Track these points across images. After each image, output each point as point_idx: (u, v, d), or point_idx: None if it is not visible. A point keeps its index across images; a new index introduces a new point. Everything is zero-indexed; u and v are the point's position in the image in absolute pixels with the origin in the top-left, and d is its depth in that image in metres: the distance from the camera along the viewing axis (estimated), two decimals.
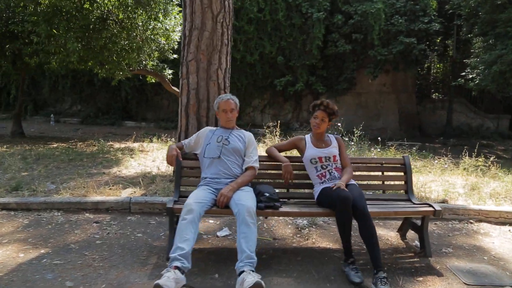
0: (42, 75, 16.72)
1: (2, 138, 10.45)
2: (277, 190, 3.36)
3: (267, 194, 3.06)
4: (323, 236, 3.64)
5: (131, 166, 6.36)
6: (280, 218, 4.11)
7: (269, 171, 3.58)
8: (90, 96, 17.07)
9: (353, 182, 3.26)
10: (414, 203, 3.38)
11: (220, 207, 2.91)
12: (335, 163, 3.30)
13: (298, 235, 3.65)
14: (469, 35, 13.16)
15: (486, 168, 6.48)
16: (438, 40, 15.36)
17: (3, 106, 17.61)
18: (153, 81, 10.83)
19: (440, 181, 5.69)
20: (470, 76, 11.59)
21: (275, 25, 15.03)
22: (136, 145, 9.14)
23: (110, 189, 4.59)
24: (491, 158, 6.50)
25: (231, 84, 16.08)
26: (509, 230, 4.03)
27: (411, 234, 3.80)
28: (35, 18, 8.05)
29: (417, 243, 3.51)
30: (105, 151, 8.01)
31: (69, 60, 8.22)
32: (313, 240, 3.55)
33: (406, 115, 16.52)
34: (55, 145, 9.11)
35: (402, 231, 3.71)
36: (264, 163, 3.50)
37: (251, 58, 15.18)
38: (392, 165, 3.66)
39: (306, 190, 3.52)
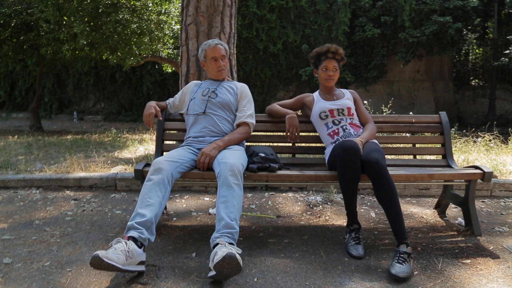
0: (67, 74, 16.81)
1: (21, 132, 10.32)
2: (280, 156, 2.73)
3: (262, 154, 2.42)
4: (340, 214, 2.96)
5: (136, 151, 5.88)
6: (289, 194, 3.46)
7: (269, 133, 2.95)
8: (112, 93, 16.93)
9: (374, 141, 2.57)
10: (455, 169, 2.65)
11: (202, 169, 2.30)
12: (350, 118, 2.62)
13: (308, 213, 2.99)
14: None
15: None
16: (478, 20, 14.05)
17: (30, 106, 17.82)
18: (169, 70, 10.42)
19: (486, 160, 4.84)
20: None
21: (299, 12, 14.31)
22: (151, 136, 8.71)
23: (100, 167, 4.09)
24: None
25: (254, 76, 15.47)
26: None
27: (452, 212, 3.06)
28: (44, 3, 7.79)
29: (460, 220, 2.77)
30: (116, 140, 7.62)
31: (78, 46, 7.90)
32: (326, 218, 2.87)
33: (443, 104, 15.29)
34: (69, 137, 8.83)
35: (440, 207, 2.98)
36: (264, 123, 2.87)
37: (274, 48, 14.52)
38: (425, 124, 2.93)
39: (317, 156, 2.85)
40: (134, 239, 1.83)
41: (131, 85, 16.43)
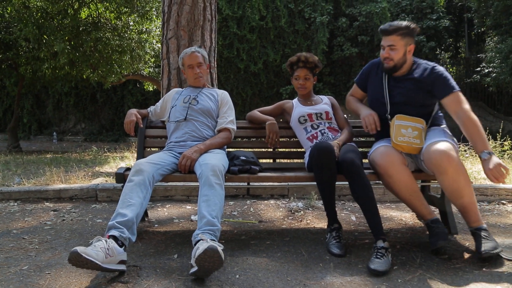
0: (46, 94, 16.60)
1: None
2: (261, 161, 2.77)
3: (243, 157, 2.47)
4: (321, 218, 3.00)
5: (117, 166, 5.82)
6: (271, 201, 3.50)
7: (250, 139, 3.00)
8: (93, 113, 16.77)
9: (352, 144, 2.63)
10: None
11: (183, 172, 2.32)
12: (328, 122, 2.69)
13: (290, 217, 3.02)
14: (481, 29, 12.45)
15: None
16: (450, 40, 14.66)
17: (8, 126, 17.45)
18: (151, 88, 10.43)
19: None
20: (486, 71, 10.83)
21: (278, 32, 14.62)
22: (133, 154, 8.63)
23: (80, 179, 4.04)
24: None
25: (236, 94, 15.56)
26: None
27: None
28: (24, 22, 7.77)
29: (438, 217, 2.84)
30: (97, 158, 7.53)
31: (59, 64, 7.87)
32: (308, 222, 2.91)
33: None
34: (48, 155, 8.67)
35: None
36: (245, 130, 2.92)
37: (255, 67, 14.72)
38: None
39: (298, 160, 2.91)
40: (114, 238, 1.82)
41: (112, 105, 16.32)
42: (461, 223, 2.87)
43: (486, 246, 2.03)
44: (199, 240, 1.80)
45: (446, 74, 2.38)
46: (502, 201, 3.58)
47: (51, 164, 6.12)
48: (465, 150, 6.01)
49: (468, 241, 2.44)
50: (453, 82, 2.35)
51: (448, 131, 2.42)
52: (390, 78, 2.48)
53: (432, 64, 2.44)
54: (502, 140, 5.97)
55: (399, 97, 2.42)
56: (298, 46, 14.50)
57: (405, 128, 2.30)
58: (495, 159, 2.08)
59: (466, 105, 2.29)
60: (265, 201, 3.53)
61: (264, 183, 3.51)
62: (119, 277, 1.82)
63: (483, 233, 2.12)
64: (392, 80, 2.47)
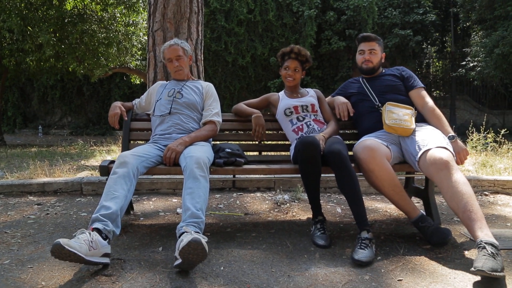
0: (31, 87, 16.33)
1: None
2: (247, 153, 2.76)
3: (229, 150, 2.46)
4: (307, 210, 3.01)
5: (103, 160, 5.75)
6: (257, 194, 3.50)
7: (236, 132, 2.99)
8: (80, 106, 16.57)
9: (337, 136, 2.64)
10: None
11: (167, 164, 2.30)
12: (314, 114, 2.69)
13: (276, 210, 3.02)
14: (466, 24, 12.60)
15: (498, 146, 5.83)
16: (436, 34, 14.80)
17: None
18: (138, 82, 10.33)
19: None
20: (471, 65, 10.98)
21: (266, 25, 14.60)
22: (120, 147, 8.55)
23: (65, 172, 3.99)
24: (502, 131, 5.84)
25: (224, 88, 15.52)
26: None
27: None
28: (7, 12, 7.59)
29: (423, 212, 2.88)
30: (83, 151, 7.44)
31: (44, 56, 7.72)
32: (293, 214, 2.92)
33: None
34: (33, 149, 8.54)
35: None
36: (230, 122, 2.91)
37: (243, 61, 14.70)
38: None
39: (284, 153, 2.91)
40: (98, 230, 1.80)
41: (99, 98, 16.15)
42: (444, 214, 2.91)
43: (485, 264, 1.67)
44: (183, 233, 1.79)
45: (413, 73, 2.78)
46: (485, 192, 3.64)
47: (35, 158, 6.03)
48: None
49: (451, 232, 2.47)
50: (418, 80, 2.73)
51: (438, 130, 2.45)
52: (366, 79, 2.79)
53: (400, 67, 2.86)
54: (485, 132, 6.06)
55: (382, 88, 2.67)
56: (286, 40, 14.51)
57: (396, 112, 2.47)
58: (460, 144, 2.39)
59: (430, 99, 2.62)
60: (252, 194, 3.53)
61: (250, 176, 3.51)
62: (103, 270, 1.81)
63: (490, 249, 1.74)
64: (369, 80, 2.77)
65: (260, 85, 15.42)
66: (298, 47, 2.76)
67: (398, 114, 2.46)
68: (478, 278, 1.75)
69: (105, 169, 2.30)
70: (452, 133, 2.41)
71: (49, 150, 7.87)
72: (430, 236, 2.17)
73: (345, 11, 13.39)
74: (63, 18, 7.69)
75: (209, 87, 2.75)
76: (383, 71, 2.82)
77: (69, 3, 7.97)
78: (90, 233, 1.74)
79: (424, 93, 2.66)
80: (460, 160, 2.38)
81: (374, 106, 2.63)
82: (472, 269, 1.68)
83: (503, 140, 6.06)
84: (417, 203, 3.22)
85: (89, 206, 3.14)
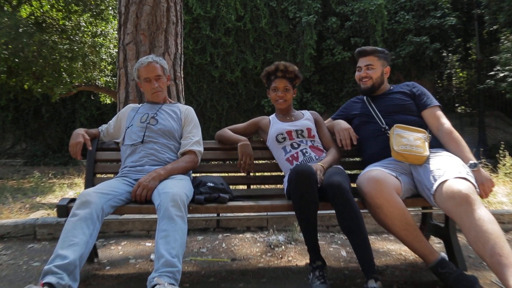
0: None
1: None
2: (233, 187, 2.80)
3: (211, 184, 2.49)
4: (305, 254, 3.01)
5: (64, 196, 5.75)
6: (247, 235, 3.51)
7: (220, 163, 3.03)
8: (37, 131, 16.56)
9: (338, 166, 2.70)
10: None
11: (138, 201, 2.32)
12: (310, 140, 2.75)
13: (268, 254, 3.04)
14: (494, 27, 12.83)
15: None
16: (458, 40, 15.10)
17: None
18: (108, 101, 10.42)
19: None
20: (501, 75, 11.07)
21: (258, 34, 14.86)
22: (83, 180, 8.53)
23: (15, 213, 3.98)
24: None
25: (210, 108, 15.60)
26: None
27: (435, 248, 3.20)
28: None
29: (444, 255, 2.90)
30: (39, 185, 7.42)
31: None
32: (289, 259, 2.93)
33: None
34: None
35: None
36: (214, 151, 2.95)
37: (231, 76, 14.87)
38: None
39: (275, 186, 2.95)
40: (51, 286, 1.79)
41: (60, 121, 16.17)
42: (471, 257, 2.93)
43: None
44: (155, 285, 1.80)
45: (426, 90, 2.82)
46: None
47: None
48: None
49: (480, 279, 2.48)
50: (433, 97, 2.76)
51: (456, 157, 2.45)
52: (371, 98, 2.84)
53: (411, 82, 2.88)
54: None
55: (389, 108, 2.71)
56: (282, 51, 14.76)
57: (406, 136, 2.49)
58: (484, 173, 2.38)
59: (446, 120, 2.65)
60: (240, 235, 3.54)
61: (238, 214, 3.53)
62: None
63: None
64: (375, 99, 2.82)
65: (252, 104, 15.56)
66: (284, 63, 2.85)
67: (408, 139, 2.48)
68: None
69: (64, 210, 2.32)
70: (473, 160, 2.41)
71: None
72: (452, 285, 2.15)
73: (350, 16, 13.72)
74: (17, 27, 7.79)
75: (188, 111, 2.80)
76: (391, 88, 2.87)
77: (25, 9, 8.10)
78: None
79: (440, 113, 2.68)
80: (484, 193, 2.38)
81: (380, 129, 2.67)
82: None
83: None
84: (438, 243, 3.25)
85: (44, 253, 3.13)
